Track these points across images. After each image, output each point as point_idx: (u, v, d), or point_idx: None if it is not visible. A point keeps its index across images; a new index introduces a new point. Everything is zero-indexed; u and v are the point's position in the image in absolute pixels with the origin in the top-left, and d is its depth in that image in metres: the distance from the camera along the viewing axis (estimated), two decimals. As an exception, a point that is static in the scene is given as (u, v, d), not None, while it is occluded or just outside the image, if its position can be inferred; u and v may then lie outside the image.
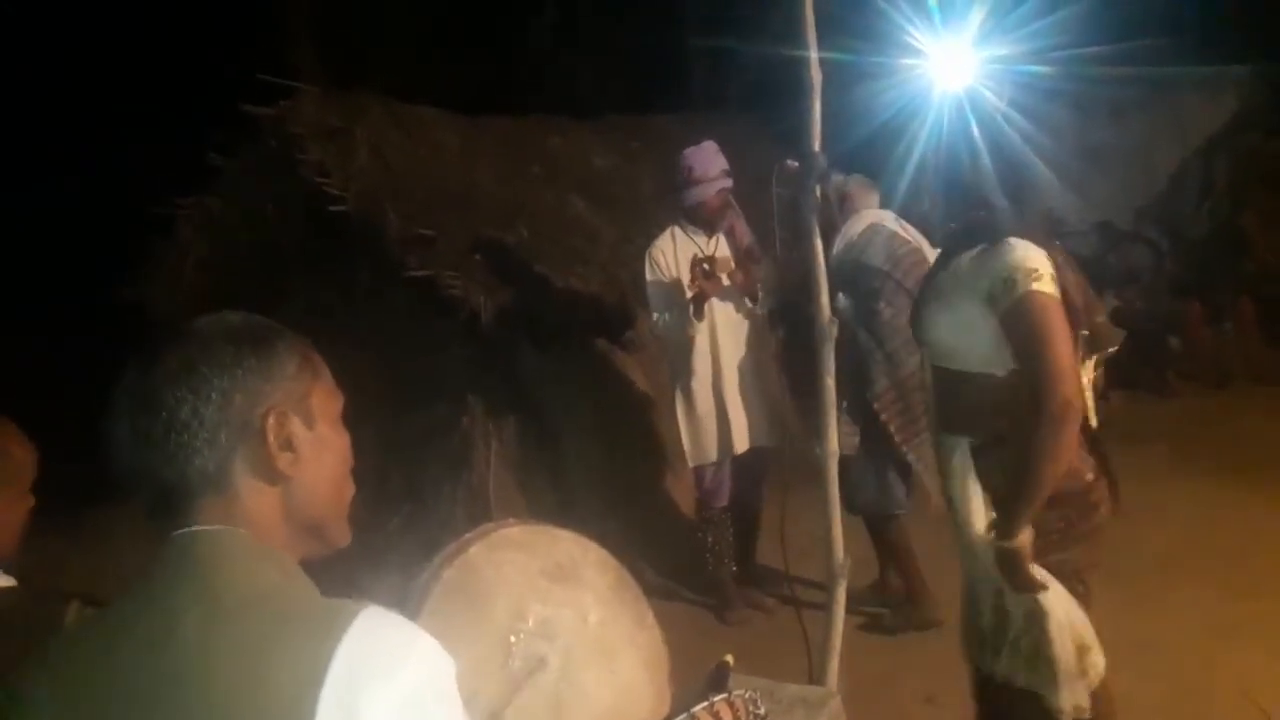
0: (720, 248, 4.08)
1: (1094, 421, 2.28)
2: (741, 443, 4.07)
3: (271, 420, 0.96)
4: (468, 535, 1.56)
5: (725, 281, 3.95)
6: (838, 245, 3.81)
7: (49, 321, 7.41)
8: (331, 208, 4.87)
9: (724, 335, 4.04)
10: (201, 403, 0.93)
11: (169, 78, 8.56)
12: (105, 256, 5.87)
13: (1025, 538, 2.16)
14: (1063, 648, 2.22)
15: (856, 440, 3.82)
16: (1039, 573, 2.19)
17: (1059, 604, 2.22)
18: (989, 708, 2.49)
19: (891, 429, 3.80)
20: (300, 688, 0.82)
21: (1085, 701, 2.25)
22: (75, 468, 1.88)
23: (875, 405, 3.79)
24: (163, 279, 5.63)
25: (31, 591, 1.68)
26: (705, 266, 3.91)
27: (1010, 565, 2.18)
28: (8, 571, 1.72)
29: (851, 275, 3.76)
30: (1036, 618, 2.23)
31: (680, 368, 4.11)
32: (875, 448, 3.83)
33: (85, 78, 8.95)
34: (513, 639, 1.45)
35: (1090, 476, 2.24)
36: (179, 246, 5.65)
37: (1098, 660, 2.27)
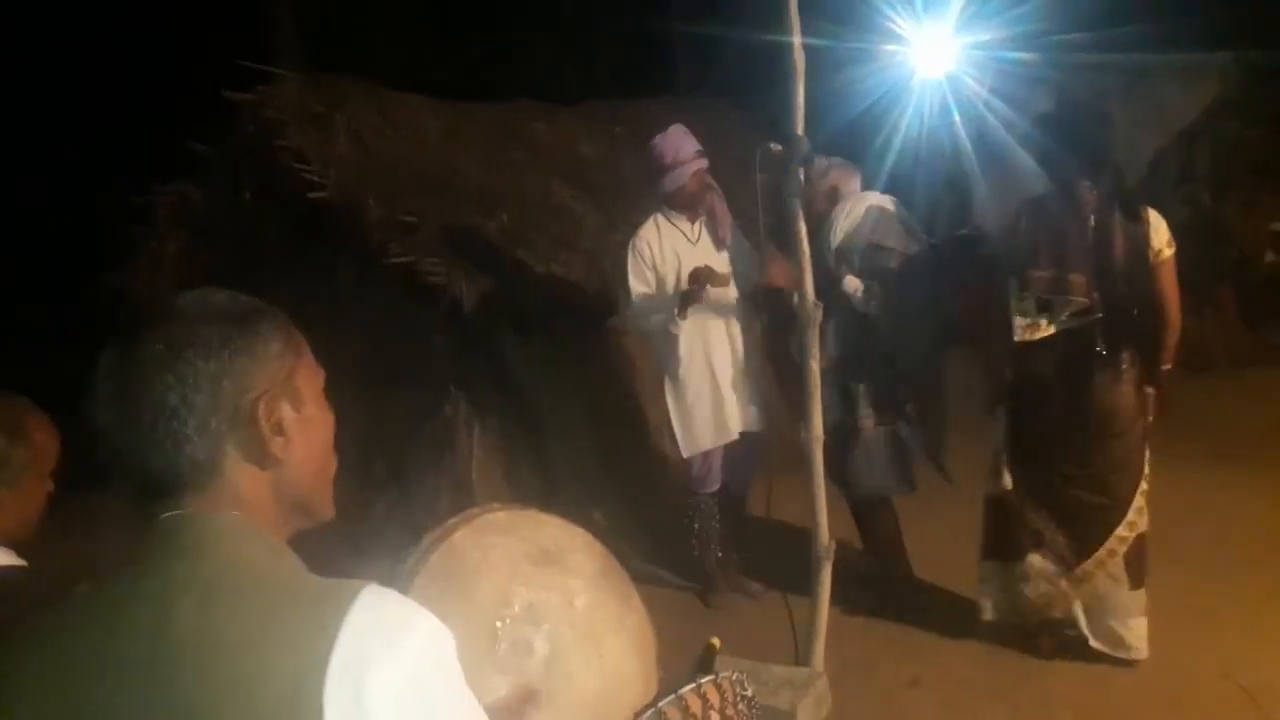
0: (703, 235, 4.05)
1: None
2: (734, 429, 4.06)
3: (262, 406, 0.94)
4: (452, 520, 1.55)
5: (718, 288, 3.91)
6: (840, 229, 3.75)
7: (29, 311, 7.33)
8: (311, 194, 4.83)
9: (712, 324, 4.01)
10: (190, 389, 0.90)
11: (147, 63, 8.46)
12: (84, 245, 5.81)
13: None
14: None
15: (872, 422, 3.81)
16: None
17: None
18: None
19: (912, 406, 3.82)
20: (306, 666, 0.81)
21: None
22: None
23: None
24: (142, 267, 5.58)
25: (41, 573, 1.67)
26: (700, 280, 3.81)
27: None
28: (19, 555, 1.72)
29: (868, 257, 3.71)
30: None
31: (668, 358, 4.06)
32: (892, 427, 3.83)
33: (62, 64, 8.84)
34: (499, 624, 1.44)
35: None
36: (158, 234, 5.60)
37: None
